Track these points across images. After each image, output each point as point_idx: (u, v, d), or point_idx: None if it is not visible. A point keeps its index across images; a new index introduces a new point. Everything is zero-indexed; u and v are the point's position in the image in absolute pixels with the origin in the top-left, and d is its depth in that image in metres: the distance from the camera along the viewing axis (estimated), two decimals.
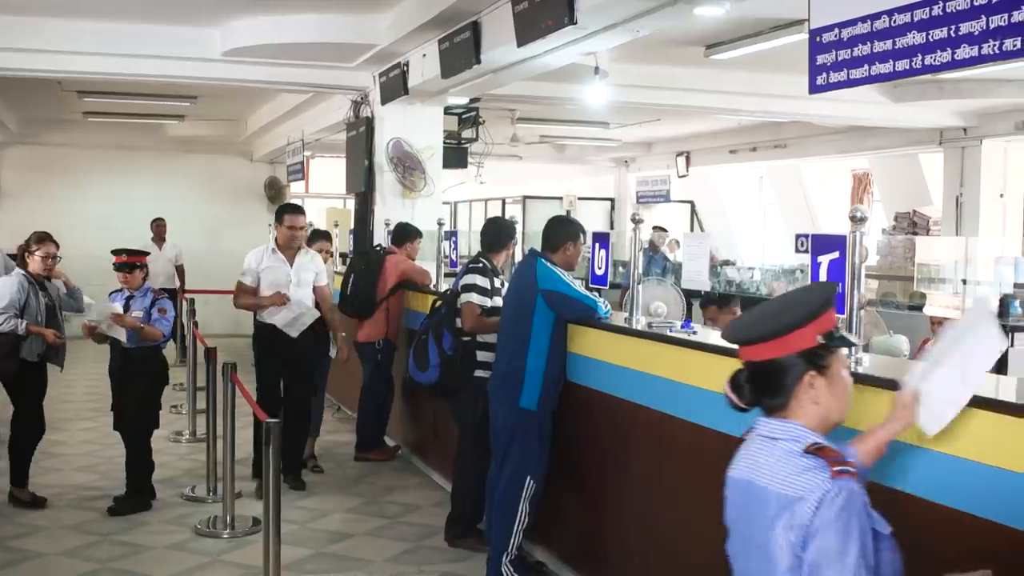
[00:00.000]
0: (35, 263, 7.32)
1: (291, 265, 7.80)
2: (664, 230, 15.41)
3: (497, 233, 6.57)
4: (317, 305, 7.98)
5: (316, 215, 18.52)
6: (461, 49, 7.97)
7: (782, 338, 2.47)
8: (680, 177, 18.87)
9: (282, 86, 11.39)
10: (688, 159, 18.70)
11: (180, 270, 15.25)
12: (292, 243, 7.82)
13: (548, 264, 5.66)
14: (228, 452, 6.85)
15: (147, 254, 7.69)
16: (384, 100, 10.14)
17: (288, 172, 14.75)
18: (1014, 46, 3.73)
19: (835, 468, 2.34)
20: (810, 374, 2.48)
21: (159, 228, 15.41)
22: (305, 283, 7.85)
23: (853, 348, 3.85)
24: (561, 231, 5.81)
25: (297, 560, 6.21)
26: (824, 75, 4.67)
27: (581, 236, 5.87)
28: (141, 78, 10.54)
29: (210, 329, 11.93)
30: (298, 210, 8.03)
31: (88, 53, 9.67)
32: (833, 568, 2.28)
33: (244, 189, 18.89)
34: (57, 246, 7.47)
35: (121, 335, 7.26)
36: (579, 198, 20.63)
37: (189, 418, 9.87)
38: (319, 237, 9.27)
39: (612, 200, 21.61)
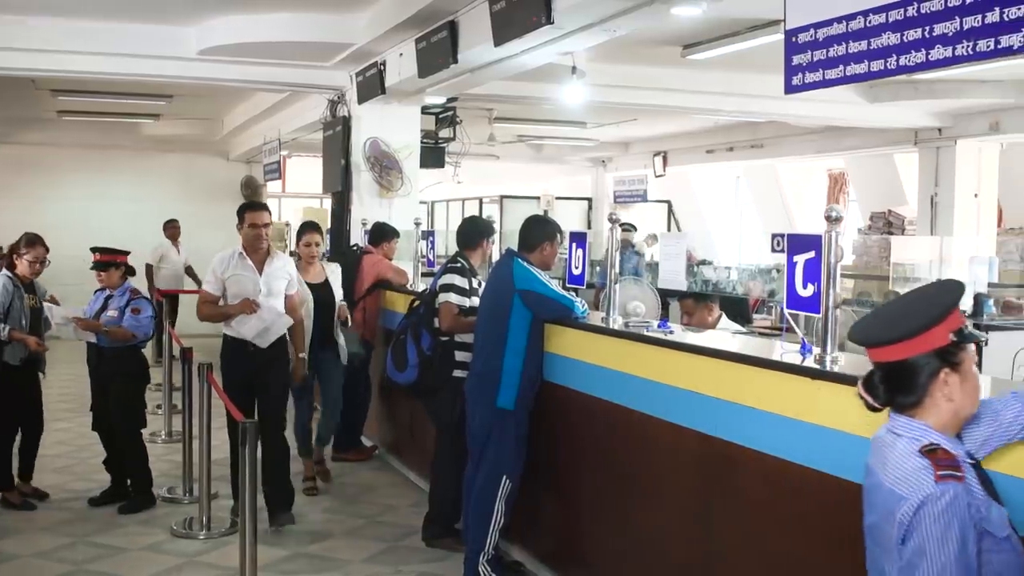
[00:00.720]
0: (23, 266, 7.30)
1: (260, 273, 6.87)
2: (633, 227, 15.42)
3: (469, 231, 6.57)
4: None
5: (293, 215, 18.49)
6: (438, 48, 7.96)
7: (916, 338, 2.50)
8: (657, 177, 18.90)
9: (258, 85, 11.35)
10: (665, 159, 18.73)
11: (190, 271, 15.21)
12: (258, 244, 6.86)
13: (525, 264, 5.66)
14: (204, 453, 6.83)
15: (126, 253, 7.62)
16: (361, 99, 10.12)
17: (265, 171, 14.71)
18: (987, 47, 3.75)
19: (939, 472, 2.38)
20: (944, 371, 2.51)
21: (173, 230, 15.33)
22: (276, 292, 6.93)
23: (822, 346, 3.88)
24: (538, 231, 5.83)
25: (274, 561, 6.19)
26: (800, 75, 4.68)
27: (558, 236, 5.89)
28: (116, 77, 10.46)
29: (186, 329, 11.86)
30: (260, 207, 7.15)
31: (62, 51, 9.60)
32: (927, 569, 2.34)
33: (221, 188, 18.81)
34: (47, 249, 7.44)
35: (90, 337, 7.25)
36: (556, 198, 20.63)
37: (165, 418, 9.83)
38: (308, 229, 8.23)
39: (589, 200, 21.62)
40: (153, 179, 18.57)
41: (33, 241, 7.37)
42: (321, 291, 7.92)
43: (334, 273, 8.28)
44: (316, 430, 8.13)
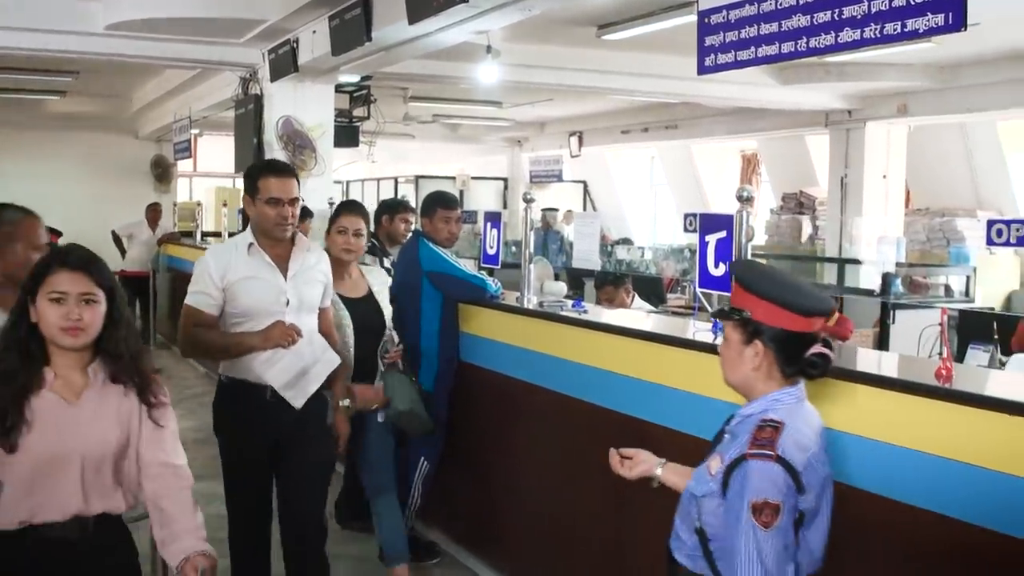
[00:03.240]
0: None
1: (284, 273, 4.37)
2: (555, 210, 15.55)
3: (376, 212, 6.55)
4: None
5: (204, 194, 18.23)
6: (351, 26, 7.87)
7: None
8: (573, 157, 19.00)
9: (168, 62, 11.11)
10: (581, 139, 18.81)
11: (115, 237, 15.04)
12: (281, 231, 4.33)
13: (431, 245, 5.63)
14: None
15: (58, 233, 7.41)
16: (273, 77, 9.97)
17: (175, 150, 14.47)
18: (894, 30, 3.82)
19: None
20: None
21: (154, 213, 15.10)
22: (309, 305, 4.45)
23: None
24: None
25: None
26: (712, 56, 4.72)
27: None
28: (18, 52, 10.15)
29: None
30: (285, 170, 4.51)
31: None
32: None
33: (130, 167, 18.46)
34: None
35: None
36: (472, 178, 20.64)
37: None
38: (348, 211, 5.31)
39: (506, 180, 21.66)
40: (59, 158, 18.12)
41: None
42: (363, 309, 5.18)
43: (378, 278, 5.49)
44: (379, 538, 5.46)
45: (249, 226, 4.46)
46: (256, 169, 4.50)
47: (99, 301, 2.90)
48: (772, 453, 2.52)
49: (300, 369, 4.32)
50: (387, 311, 5.28)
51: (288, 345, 4.18)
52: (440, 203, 5.75)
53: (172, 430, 3.11)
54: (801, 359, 2.67)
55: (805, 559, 2.64)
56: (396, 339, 5.30)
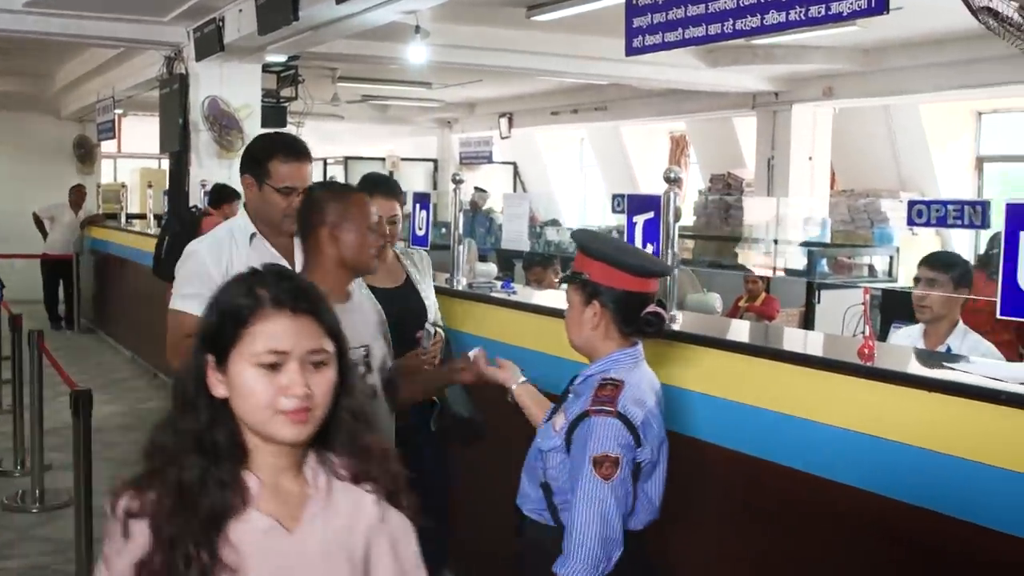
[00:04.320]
0: None
1: (291, 267, 3.63)
2: (484, 191, 15.52)
3: None
4: None
5: (129, 176, 17.93)
6: (278, 5, 7.77)
7: None
8: (503, 138, 18.99)
9: (90, 40, 10.90)
10: (511, 120, 18.81)
11: (36, 219, 14.73)
12: (290, 224, 3.56)
13: None
14: (36, 423, 6.58)
15: None
16: (199, 56, 9.83)
17: (98, 131, 14.22)
18: (819, 12, 3.87)
19: None
20: None
21: (78, 195, 14.86)
22: None
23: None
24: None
25: None
26: (640, 38, 4.74)
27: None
28: None
29: (15, 295, 11.39)
30: (300, 151, 3.81)
31: None
32: None
33: (52, 148, 18.04)
34: None
35: None
36: (402, 159, 20.54)
37: None
38: (379, 191, 4.33)
39: (435, 161, 21.59)
40: None
41: None
42: (400, 300, 4.20)
43: (419, 262, 4.58)
44: None
45: (245, 211, 3.73)
46: (265, 148, 3.76)
47: (330, 362, 1.77)
48: (612, 409, 2.71)
49: None
50: (430, 300, 4.47)
51: None
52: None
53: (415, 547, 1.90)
54: (638, 319, 2.85)
55: (645, 508, 2.84)
56: (432, 331, 4.00)
